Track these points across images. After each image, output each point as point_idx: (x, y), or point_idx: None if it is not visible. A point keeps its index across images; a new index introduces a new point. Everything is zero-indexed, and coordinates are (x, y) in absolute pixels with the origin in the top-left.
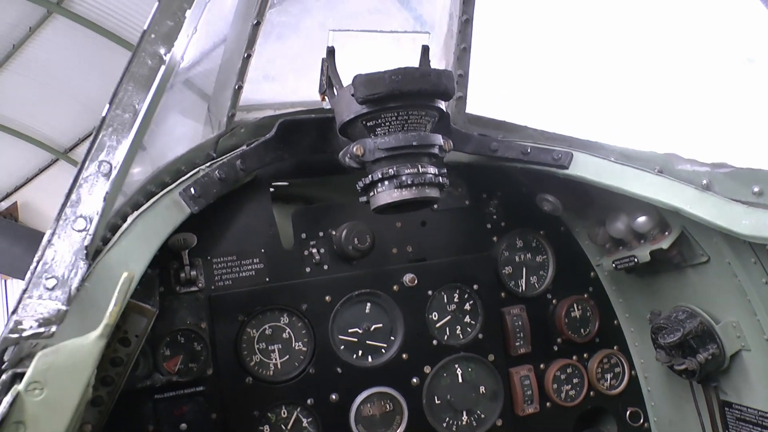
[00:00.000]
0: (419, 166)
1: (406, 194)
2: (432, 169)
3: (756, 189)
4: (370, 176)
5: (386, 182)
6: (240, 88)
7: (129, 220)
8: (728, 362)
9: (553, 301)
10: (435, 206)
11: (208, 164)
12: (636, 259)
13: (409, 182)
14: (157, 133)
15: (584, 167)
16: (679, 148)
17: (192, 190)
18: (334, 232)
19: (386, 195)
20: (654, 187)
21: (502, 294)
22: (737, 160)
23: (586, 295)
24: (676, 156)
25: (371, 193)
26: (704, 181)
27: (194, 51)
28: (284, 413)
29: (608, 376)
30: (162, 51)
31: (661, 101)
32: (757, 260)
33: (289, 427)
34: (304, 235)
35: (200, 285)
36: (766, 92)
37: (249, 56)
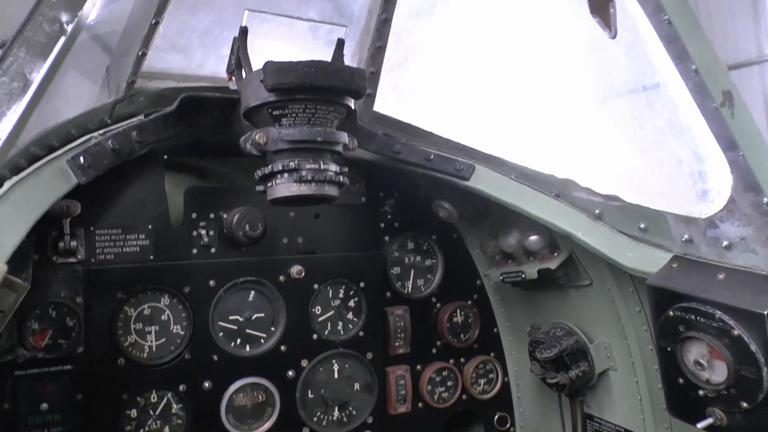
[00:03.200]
0: (321, 162)
1: (304, 189)
2: (333, 167)
3: (642, 225)
4: (270, 167)
5: (286, 175)
6: (144, 55)
7: (6, 185)
8: (596, 379)
9: (438, 305)
10: None
11: (101, 131)
12: (523, 275)
13: (309, 178)
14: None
15: (485, 181)
16: (577, 175)
17: (81, 159)
18: (225, 216)
19: (284, 188)
20: (549, 210)
21: (388, 294)
22: (629, 195)
23: (470, 302)
24: (574, 183)
25: (269, 184)
26: (597, 211)
27: (98, 6)
28: (154, 398)
29: (482, 381)
30: (64, 18)
31: (565, 128)
32: (635, 290)
33: (157, 412)
34: (194, 215)
35: (79, 257)
36: (659, 130)
37: (157, 23)
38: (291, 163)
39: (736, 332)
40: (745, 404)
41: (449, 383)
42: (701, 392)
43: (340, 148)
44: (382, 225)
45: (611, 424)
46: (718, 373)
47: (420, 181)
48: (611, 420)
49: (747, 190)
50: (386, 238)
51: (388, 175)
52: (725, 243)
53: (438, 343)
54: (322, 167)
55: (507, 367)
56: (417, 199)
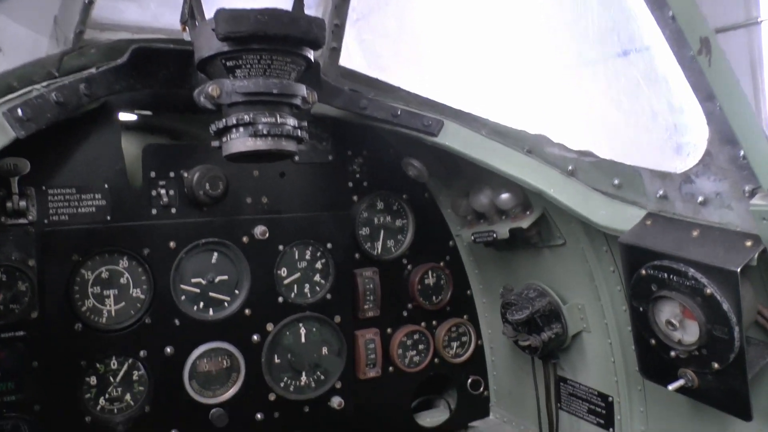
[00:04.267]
0: (278, 115)
1: (260, 144)
2: (291, 121)
3: (616, 182)
4: (224, 120)
5: (241, 129)
6: (91, 3)
7: None
8: (569, 341)
9: (408, 266)
10: (296, 158)
11: (46, 83)
12: (495, 235)
13: (264, 132)
14: None
15: (454, 137)
16: (549, 131)
17: (20, 111)
18: (186, 174)
19: (240, 143)
20: (521, 166)
21: (357, 255)
22: (603, 150)
23: (442, 264)
24: (546, 139)
25: (224, 139)
26: (570, 167)
27: None
28: (114, 364)
29: (454, 344)
30: None
31: (537, 80)
32: (609, 249)
33: (118, 379)
34: (153, 174)
35: (31, 218)
36: (636, 88)
37: None
38: (246, 117)
39: (708, 291)
40: (716, 365)
41: (421, 347)
42: (673, 353)
43: (298, 101)
44: (351, 184)
45: (585, 387)
46: (690, 333)
47: (390, 139)
48: (585, 383)
49: (723, 143)
50: (355, 198)
51: (357, 133)
52: (700, 199)
53: (409, 305)
54: (278, 121)
55: (481, 330)
56: (387, 158)
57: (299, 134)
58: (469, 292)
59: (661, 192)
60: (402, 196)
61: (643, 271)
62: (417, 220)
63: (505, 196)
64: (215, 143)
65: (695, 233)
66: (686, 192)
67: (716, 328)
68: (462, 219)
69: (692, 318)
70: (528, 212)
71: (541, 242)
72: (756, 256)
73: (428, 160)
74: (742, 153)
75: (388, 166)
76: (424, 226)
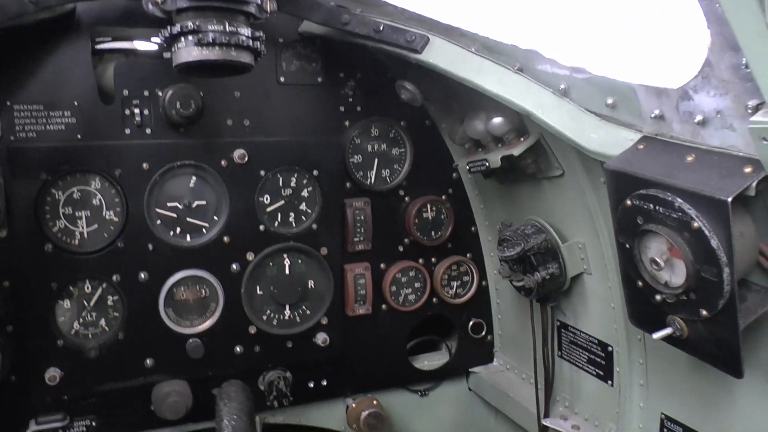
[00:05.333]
0: (227, 23)
1: (207, 54)
2: (245, 30)
3: (610, 101)
4: (169, 28)
5: (188, 37)
6: None
7: None
8: (569, 284)
9: (406, 198)
10: (282, 79)
11: None
12: (487, 164)
13: (211, 40)
14: None
15: (439, 54)
16: (541, 45)
17: None
18: (160, 93)
19: (185, 53)
20: (510, 86)
21: (348, 184)
22: (596, 65)
23: (444, 197)
24: (538, 54)
25: (173, 49)
26: (562, 86)
27: None
28: (88, 288)
29: (455, 284)
30: None
31: None
32: (606, 184)
33: (92, 303)
34: (126, 92)
35: None
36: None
37: None
38: (190, 24)
39: (696, 224)
40: (704, 312)
41: (417, 285)
42: (658, 297)
43: (252, 9)
44: (342, 109)
45: (585, 335)
46: (677, 274)
47: (387, 61)
48: (585, 330)
49: (724, 48)
50: (346, 123)
51: (349, 54)
52: (699, 118)
53: (405, 240)
54: (228, 29)
55: (486, 270)
56: (382, 81)
57: (254, 45)
58: (473, 228)
59: (657, 111)
60: (400, 123)
61: (629, 202)
62: (416, 149)
63: (497, 120)
64: (167, 55)
65: (690, 158)
66: (684, 110)
67: (705, 269)
68: (461, 148)
69: (679, 257)
70: (523, 139)
71: (539, 173)
72: (754, 184)
73: (426, 84)
74: (744, 61)
75: (385, 91)
76: (424, 155)
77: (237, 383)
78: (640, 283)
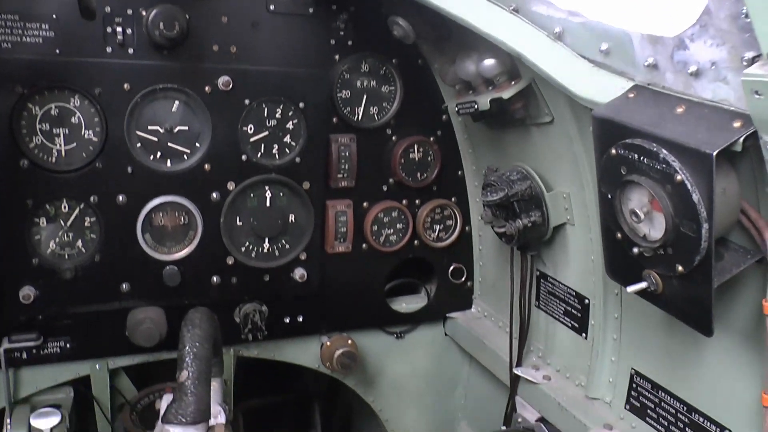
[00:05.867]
0: None
1: None
2: None
3: (604, 47)
4: None
5: None
6: None
7: None
8: (551, 234)
9: (393, 137)
10: (272, 7)
11: None
12: (476, 106)
13: None
14: None
15: None
16: None
17: None
18: (144, 12)
19: None
20: (504, 26)
21: (334, 119)
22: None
23: (432, 139)
24: None
25: None
26: (557, 29)
27: None
28: (65, 208)
29: (437, 227)
30: None
31: None
32: (592, 133)
33: (68, 224)
34: (108, 9)
35: None
36: None
37: None
38: None
39: (679, 177)
40: (680, 268)
41: (399, 226)
42: (636, 250)
43: None
44: (333, 42)
45: (564, 286)
46: (656, 228)
47: None
48: (564, 281)
49: None
50: (336, 57)
51: None
52: (693, 68)
53: (390, 180)
54: None
55: (470, 216)
56: (376, 17)
57: None
58: (460, 172)
59: (650, 60)
60: (392, 60)
61: (614, 151)
62: (406, 87)
63: (488, 62)
64: None
65: (680, 110)
66: (678, 60)
67: (684, 224)
68: (451, 89)
69: (660, 210)
70: (514, 82)
71: (528, 119)
72: (742, 139)
73: (419, 21)
74: (744, 10)
75: (378, 26)
76: (415, 95)
77: (203, 310)
78: (619, 235)
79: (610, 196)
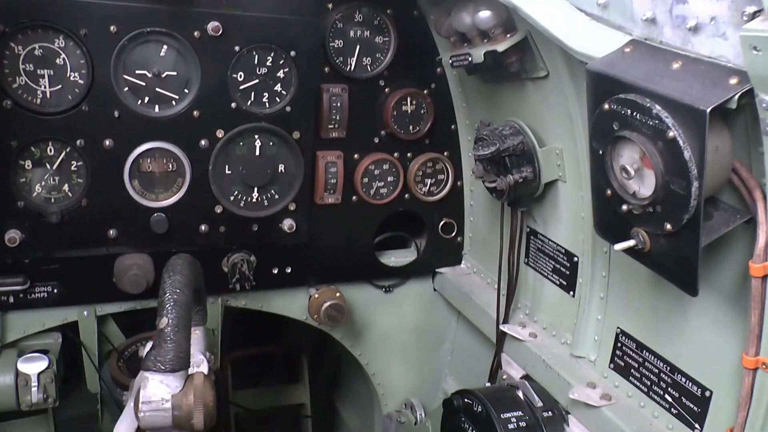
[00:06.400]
0: None
1: None
2: None
3: (602, 0)
4: None
5: None
6: None
7: None
8: (542, 190)
9: (386, 89)
10: None
11: None
12: (470, 58)
13: None
14: None
15: None
16: None
17: None
18: None
19: None
20: None
21: (326, 69)
22: None
23: (426, 91)
24: None
25: None
26: None
27: None
28: (51, 150)
29: (429, 181)
30: None
31: None
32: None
33: (54, 167)
34: None
35: None
36: None
37: None
38: None
39: (671, 134)
40: (668, 226)
41: (390, 178)
42: (625, 207)
43: None
44: None
45: (553, 243)
46: (646, 185)
47: None
48: (554, 238)
49: None
50: (329, 6)
51: None
52: (691, 23)
53: (382, 132)
54: None
55: (462, 170)
56: None
57: None
58: (453, 126)
59: (649, 14)
60: (386, 10)
61: (606, 106)
62: (401, 39)
63: (484, 13)
64: None
65: (676, 65)
66: (677, 14)
67: (674, 181)
68: (447, 41)
69: (650, 167)
70: (509, 35)
71: (524, 73)
72: (737, 96)
73: None
74: None
75: None
76: (409, 47)
77: (185, 257)
78: (608, 192)
79: (601, 152)
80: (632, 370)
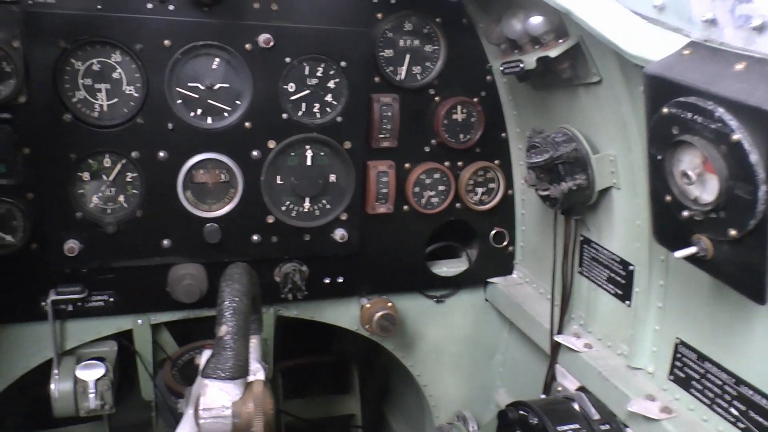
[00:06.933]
0: None
1: None
2: None
3: (658, 2)
4: None
5: None
6: None
7: None
8: (596, 198)
9: (436, 98)
10: None
11: None
12: (522, 65)
13: None
14: None
15: None
16: None
17: None
18: None
19: None
20: None
21: (376, 79)
22: None
23: (476, 99)
24: None
25: None
26: None
27: None
28: (107, 162)
29: (480, 190)
30: None
31: None
32: (643, 92)
33: (111, 178)
34: None
35: None
36: None
37: None
38: None
39: (735, 137)
40: (733, 232)
41: (441, 188)
42: (686, 213)
43: None
44: (375, 0)
45: (608, 252)
46: (708, 190)
47: None
48: (608, 247)
49: None
50: (379, 15)
51: None
52: (756, 23)
53: (433, 141)
54: None
55: (513, 179)
56: None
57: None
58: (503, 134)
59: (709, 15)
60: (435, 19)
61: (665, 110)
62: (450, 47)
63: (535, 19)
64: None
65: (739, 66)
66: (740, 14)
67: (738, 186)
68: (496, 49)
69: (713, 171)
70: (561, 40)
71: (576, 79)
72: None
73: None
74: None
75: None
76: (459, 55)
77: (242, 265)
78: (668, 198)
79: (659, 158)
80: (693, 383)
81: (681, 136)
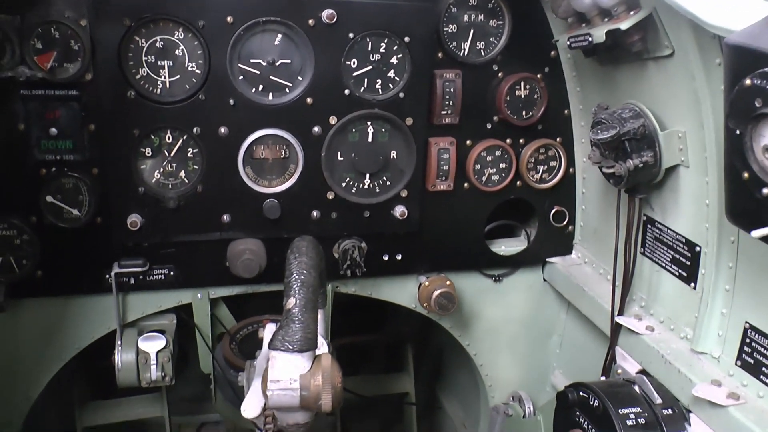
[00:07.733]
0: None
1: None
2: None
3: None
4: None
5: None
6: None
7: None
8: (662, 175)
9: (499, 74)
10: None
11: None
12: (590, 38)
13: None
14: None
15: None
16: None
17: None
18: None
19: None
20: None
21: (439, 54)
22: None
23: (539, 76)
24: None
25: None
26: None
27: None
28: (169, 138)
29: (541, 168)
30: None
31: None
32: (723, 63)
33: (172, 153)
34: None
35: None
36: None
37: None
38: None
39: None
40: None
41: (502, 165)
42: (766, 191)
43: None
44: None
45: (672, 232)
46: None
47: None
48: (673, 227)
49: None
50: None
51: None
52: None
53: (495, 118)
54: None
55: (575, 157)
56: None
57: None
58: (566, 111)
59: None
60: None
61: (748, 81)
62: (514, 22)
63: None
64: None
65: None
66: None
67: None
68: (563, 23)
69: None
70: (633, 12)
71: (646, 52)
72: None
73: None
74: None
75: None
76: (523, 30)
77: (309, 239)
78: (746, 175)
79: (738, 132)
80: (764, 368)
81: (765, 108)
